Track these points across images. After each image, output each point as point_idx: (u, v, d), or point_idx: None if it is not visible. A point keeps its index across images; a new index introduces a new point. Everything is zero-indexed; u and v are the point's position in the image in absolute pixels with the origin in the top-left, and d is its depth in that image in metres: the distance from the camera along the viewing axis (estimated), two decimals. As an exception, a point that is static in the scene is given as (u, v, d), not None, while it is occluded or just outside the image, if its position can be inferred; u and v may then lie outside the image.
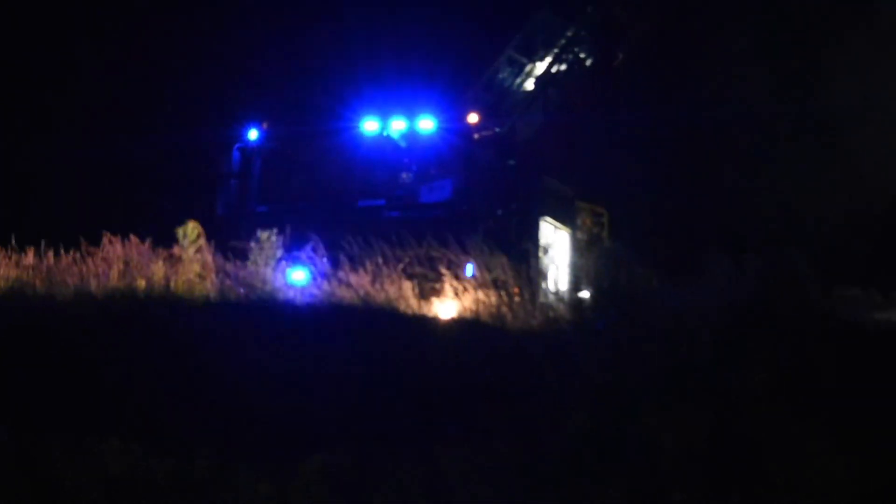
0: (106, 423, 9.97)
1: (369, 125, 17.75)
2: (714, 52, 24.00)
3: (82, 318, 12.53)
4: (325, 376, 10.93)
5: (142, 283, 14.28)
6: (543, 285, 17.41)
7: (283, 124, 17.68)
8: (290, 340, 11.67)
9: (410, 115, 17.77)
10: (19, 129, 23.56)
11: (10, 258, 14.80)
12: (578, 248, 20.06)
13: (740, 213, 24.57)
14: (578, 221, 20.62)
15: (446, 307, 14.87)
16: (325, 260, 15.23)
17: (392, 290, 14.61)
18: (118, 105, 24.10)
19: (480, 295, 14.99)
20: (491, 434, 10.12)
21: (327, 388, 10.74)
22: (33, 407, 10.18)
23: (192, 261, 14.80)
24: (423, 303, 14.82)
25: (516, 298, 15.21)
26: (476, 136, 17.00)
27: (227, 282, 14.53)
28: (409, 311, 14.31)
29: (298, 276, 15.28)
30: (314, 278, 15.05)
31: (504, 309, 14.85)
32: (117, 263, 14.60)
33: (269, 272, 14.85)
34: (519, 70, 21.00)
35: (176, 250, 14.94)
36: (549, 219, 18.78)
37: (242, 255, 15.08)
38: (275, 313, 12.62)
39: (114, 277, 14.34)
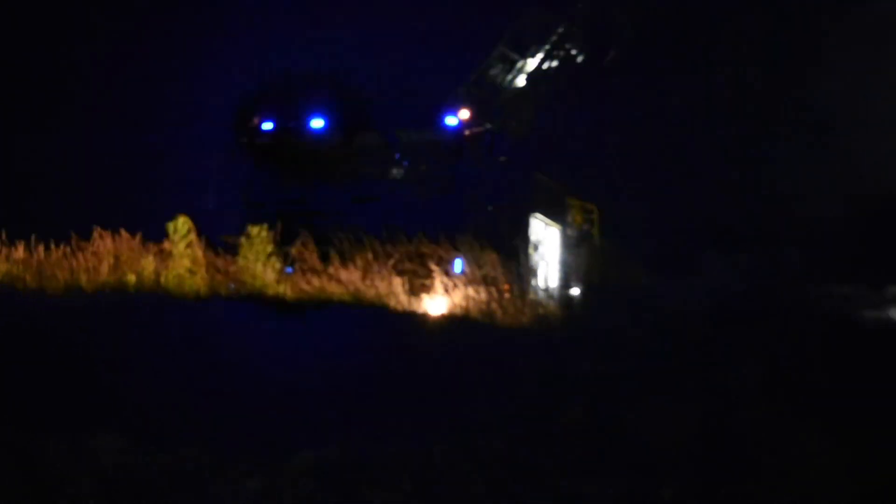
0: (96, 417, 9.96)
1: (360, 121, 17.75)
2: (705, 49, 24.03)
3: (72, 313, 12.53)
4: (315, 372, 10.95)
5: (132, 278, 14.28)
6: (533, 282, 17.45)
7: (275, 119, 17.63)
8: (279, 335, 11.68)
9: (402, 111, 17.77)
10: (10, 125, 23.50)
11: (0, 252, 14.77)
12: (569, 244, 20.09)
13: (733, 210, 24.61)
14: (569, 218, 20.64)
15: (436, 303, 14.89)
16: (315, 255, 15.23)
17: (382, 286, 14.62)
18: (110, 100, 24.04)
19: (470, 291, 15.01)
20: (481, 429, 10.14)
21: (317, 383, 10.76)
22: (23, 401, 10.16)
23: (183, 255, 14.80)
24: (413, 299, 14.84)
25: (506, 295, 15.24)
26: (467, 132, 16.98)
27: (218, 276, 14.52)
28: (399, 308, 14.33)
29: (289, 270, 15.29)
30: (304, 273, 15.06)
31: (494, 305, 14.88)
32: (107, 258, 14.59)
33: (259, 267, 14.85)
34: (510, 67, 21.01)
35: (166, 245, 14.93)
36: (539, 215, 18.80)
37: (233, 250, 15.06)
38: (264, 308, 12.60)
39: (104, 272, 14.34)
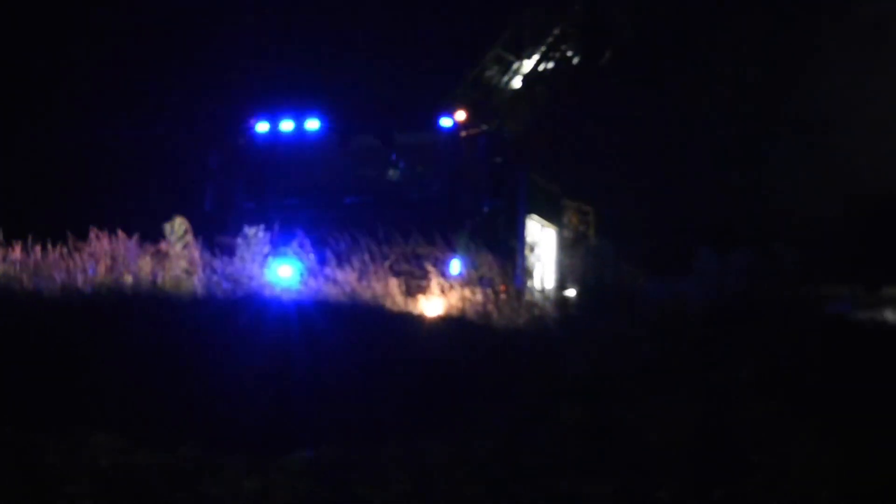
0: (93, 417, 10.00)
1: (357, 122, 17.77)
2: (700, 50, 24.12)
3: (69, 313, 12.54)
4: (311, 372, 10.98)
5: (129, 279, 14.27)
6: (529, 283, 17.50)
7: (271, 120, 17.66)
8: (276, 336, 11.71)
9: (398, 112, 17.81)
10: (7, 124, 23.53)
11: (-4, 252, 14.79)
12: (565, 245, 20.16)
13: (728, 210, 24.72)
14: (565, 219, 20.73)
15: (432, 305, 14.92)
16: (311, 256, 15.25)
17: (378, 288, 14.65)
18: (107, 101, 24.10)
19: (466, 292, 15.06)
20: (477, 430, 10.19)
21: (313, 383, 10.80)
22: (20, 401, 10.20)
23: (180, 256, 14.80)
24: (409, 300, 14.87)
25: (502, 296, 15.29)
26: (463, 133, 17.02)
27: (214, 277, 14.54)
28: (396, 309, 14.35)
29: (285, 272, 15.30)
30: (301, 274, 15.08)
31: (490, 307, 14.92)
32: (104, 259, 14.58)
33: (255, 268, 14.87)
34: (507, 68, 21.11)
35: (163, 246, 14.93)
36: (535, 216, 18.86)
37: (229, 251, 15.08)
38: (261, 309, 12.62)
39: (101, 272, 14.33)
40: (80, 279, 14.14)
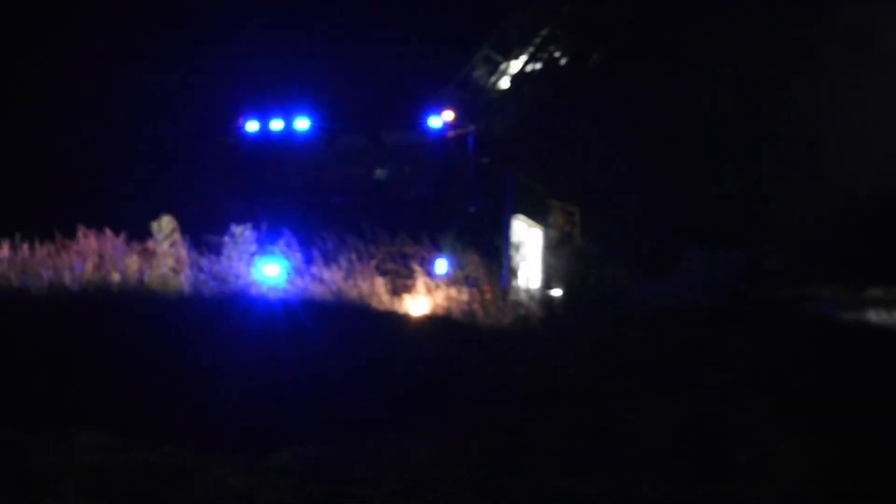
0: (80, 415, 10.04)
1: (345, 122, 17.80)
2: (687, 51, 24.18)
3: (57, 311, 12.58)
4: (297, 370, 11.01)
5: (116, 277, 14.30)
6: (515, 283, 17.56)
7: (259, 120, 17.68)
8: (263, 335, 11.75)
9: (386, 112, 17.85)
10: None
11: (-16, 251, 14.81)
12: (550, 245, 20.21)
13: (714, 212, 24.77)
14: (551, 219, 20.77)
15: (418, 304, 14.98)
16: (298, 255, 15.28)
17: (365, 287, 14.70)
18: (94, 98, 24.06)
19: (452, 292, 15.11)
20: (463, 428, 10.24)
21: (299, 382, 10.83)
22: (7, 399, 10.23)
23: (167, 255, 14.84)
24: (395, 299, 14.92)
25: (488, 296, 15.35)
26: (451, 133, 17.06)
27: (201, 276, 14.58)
28: (382, 308, 14.40)
29: (271, 270, 15.34)
30: (287, 273, 15.11)
31: (476, 306, 14.99)
32: (92, 257, 14.62)
33: (242, 266, 14.90)
34: (494, 69, 21.17)
35: (150, 244, 14.97)
36: (521, 217, 18.90)
37: (216, 250, 15.11)
38: (247, 308, 12.66)
39: (88, 271, 14.36)
40: (67, 277, 14.18)
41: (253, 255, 15.17)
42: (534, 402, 11.08)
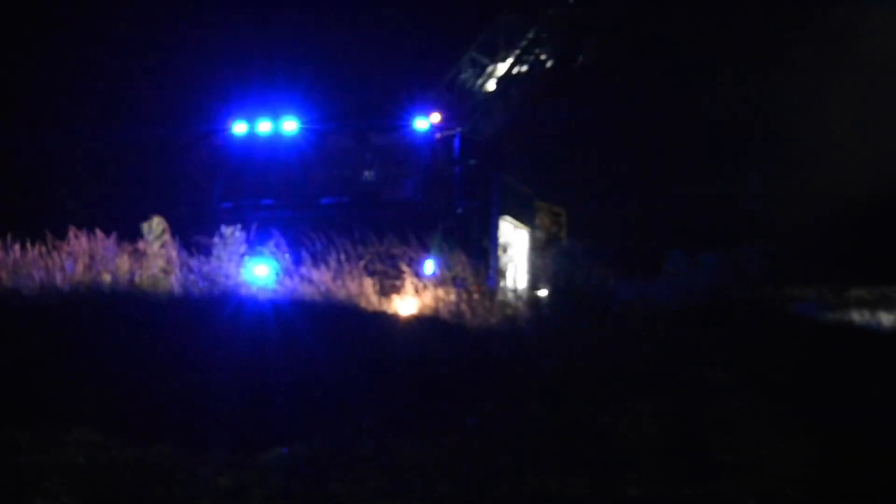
0: (70, 414, 10.09)
1: (333, 123, 17.86)
2: (673, 54, 24.27)
3: (47, 311, 12.64)
4: (286, 370, 11.09)
5: (107, 277, 14.36)
6: (502, 283, 17.66)
7: (248, 121, 17.74)
8: (252, 335, 11.82)
9: (373, 114, 17.91)
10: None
11: (-25, 252, 14.84)
12: (537, 246, 20.31)
13: (698, 212, 24.88)
14: (537, 220, 20.87)
15: (406, 304, 15.05)
16: (287, 256, 15.36)
17: (353, 287, 14.78)
18: (85, 100, 24.08)
19: (440, 292, 15.19)
20: (450, 428, 10.31)
21: (288, 382, 10.90)
22: (-1, 397, 10.30)
23: (157, 255, 14.90)
24: (383, 300, 15.00)
25: (475, 296, 15.43)
26: (438, 135, 17.15)
27: (191, 276, 14.65)
28: (370, 308, 14.47)
29: (261, 271, 15.41)
30: (276, 274, 15.19)
31: (463, 306, 15.06)
32: (83, 257, 14.67)
33: (232, 267, 14.98)
34: (481, 71, 21.28)
35: (141, 245, 15.03)
36: (508, 218, 19.00)
37: (206, 251, 15.18)
38: (237, 308, 12.74)
39: (79, 271, 14.42)
40: (58, 278, 14.23)
41: (242, 255, 15.24)
42: (520, 402, 11.14)
